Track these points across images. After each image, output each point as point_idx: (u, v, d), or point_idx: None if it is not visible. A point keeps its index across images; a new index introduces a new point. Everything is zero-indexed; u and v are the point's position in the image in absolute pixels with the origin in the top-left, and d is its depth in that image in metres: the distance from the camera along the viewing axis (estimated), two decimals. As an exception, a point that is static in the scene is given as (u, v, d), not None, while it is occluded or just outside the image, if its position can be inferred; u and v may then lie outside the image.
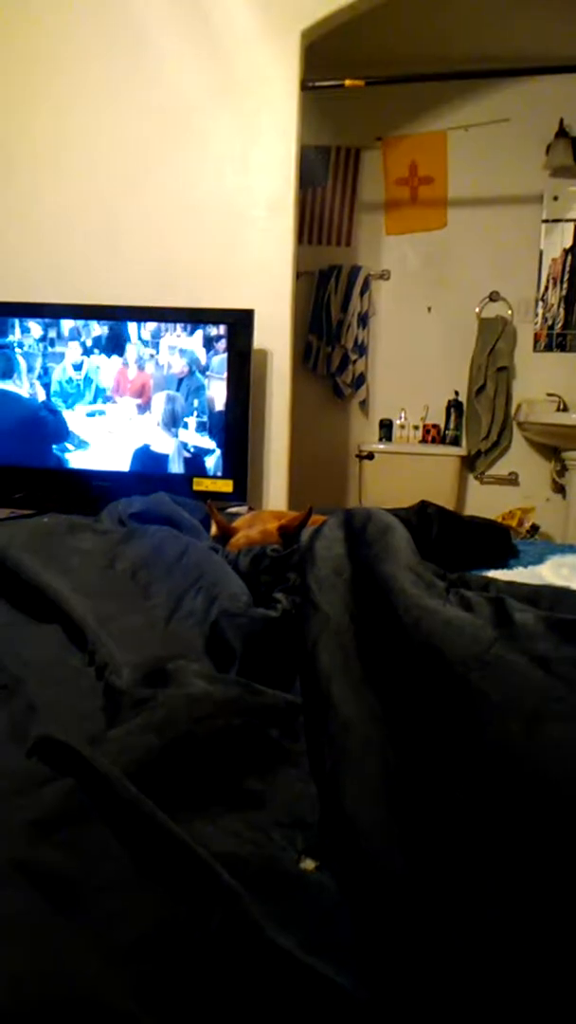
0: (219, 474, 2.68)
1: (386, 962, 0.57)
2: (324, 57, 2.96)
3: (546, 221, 3.87)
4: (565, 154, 3.75)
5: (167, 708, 0.83)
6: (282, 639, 1.03)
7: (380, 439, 4.13)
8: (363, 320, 4.09)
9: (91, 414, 2.71)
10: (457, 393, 4.06)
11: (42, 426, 2.74)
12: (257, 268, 2.84)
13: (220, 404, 2.65)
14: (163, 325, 2.65)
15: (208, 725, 0.82)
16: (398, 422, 4.13)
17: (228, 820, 0.73)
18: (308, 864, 0.69)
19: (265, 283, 2.83)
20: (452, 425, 4.07)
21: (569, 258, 3.85)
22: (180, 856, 0.64)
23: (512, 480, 4.08)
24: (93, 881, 0.64)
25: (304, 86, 2.81)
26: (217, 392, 2.64)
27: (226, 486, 2.67)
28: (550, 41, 3.44)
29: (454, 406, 4.06)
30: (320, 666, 0.89)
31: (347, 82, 2.91)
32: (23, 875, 0.63)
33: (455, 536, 1.59)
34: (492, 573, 1.47)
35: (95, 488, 2.63)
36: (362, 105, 3.74)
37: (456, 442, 4.06)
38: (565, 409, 3.85)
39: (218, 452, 2.67)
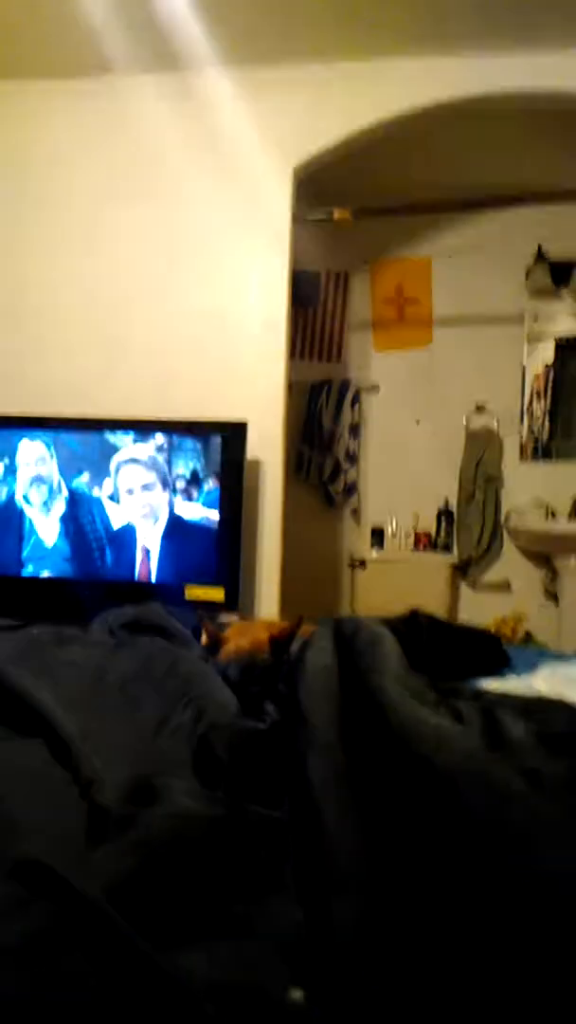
0: (211, 582, 2.68)
1: None
2: (316, 186, 3.16)
3: (528, 339, 4.04)
4: (543, 277, 3.96)
5: (151, 828, 0.81)
6: (271, 752, 1.01)
7: (372, 546, 4.16)
8: (354, 431, 4.20)
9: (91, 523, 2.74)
10: (447, 501, 4.13)
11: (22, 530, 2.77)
12: (251, 382, 2.94)
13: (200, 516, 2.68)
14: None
15: (193, 847, 0.80)
16: (390, 530, 4.17)
17: (215, 947, 0.70)
18: (296, 994, 0.66)
19: (259, 396, 2.93)
20: (443, 533, 4.11)
21: (551, 373, 4.00)
22: (162, 987, 0.62)
23: (504, 587, 4.09)
24: (66, 1013, 0.61)
25: (296, 219, 3.00)
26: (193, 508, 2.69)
27: (218, 594, 2.67)
28: (528, 173, 3.70)
29: (444, 514, 4.12)
30: (309, 784, 0.88)
31: (336, 215, 3.11)
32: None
33: (446, 646, 1.59)
34: (485, 683, 1.46)
35: (87, 598, 2.63)
36: (351, 232, 3.97)
37: (448, 549, 4.10)
38: (553, 517, 3.90)
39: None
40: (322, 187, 3.26)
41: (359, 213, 3.26)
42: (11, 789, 0.95)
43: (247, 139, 2.94)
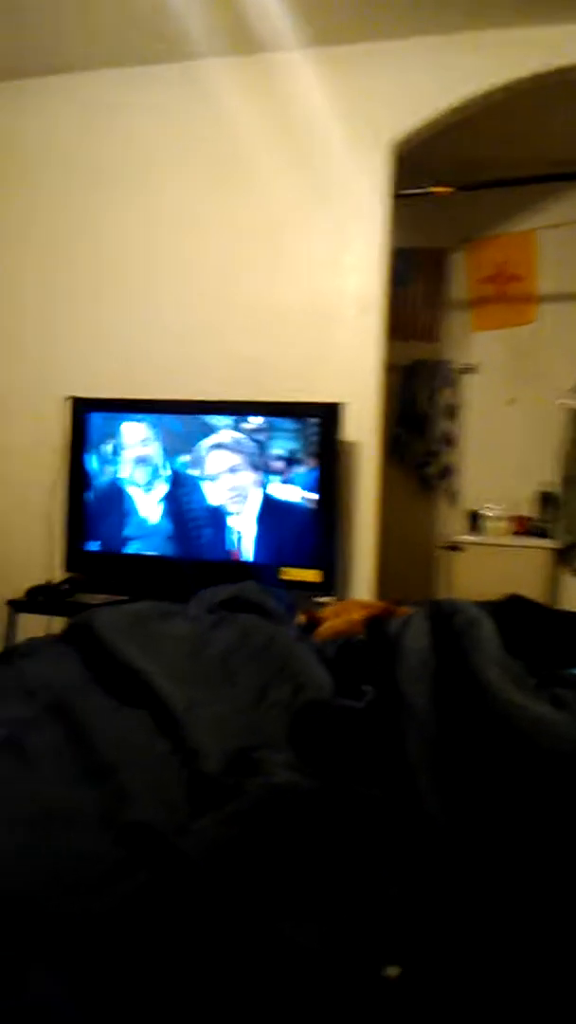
0: (307, 564, 2.70)
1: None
2: (412, 161, 3.10)
3: None
4: None
5: (252, 800, 0.84)
6: (367, 730, 1.02)
7: (468, 530, 4.08)
8: (450, 413, 4.13)
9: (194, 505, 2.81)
10: (549, 484, 4.00)
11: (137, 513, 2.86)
12: (347, 364, 2.93)
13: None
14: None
15: (293, 819, 0.82)
16: (487, 514, 4.09)
17: (313, 919, 0.72)
18: (392, 970, 0.67)
19: (354, 378, 2.91)
20: (543, 517, 3.99)
21: None
22: (261, 953, 0.64)
23: (609, 574, 3.94)
24: (164, 974, 0.64)
25: (393, 197, 2.95)
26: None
27: (314, 576, 2.69)
28: None
29: (545, 498, 4.00)
30: (407, 760, 0.89)
31: (434, 189, 3.04)
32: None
33: (548, 631, 1.55)
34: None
35: (187, 577, 2.70)
36: (450, 208, 3.88)
37: (548, 535, 3.98)
38: None
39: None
40: (419, 162, 3.19)
41: (458, 187, 3.17)
42: (120, 758, 1.00)
43: (340, 117, 2.91)
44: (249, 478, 2.78)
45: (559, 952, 0.59)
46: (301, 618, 1.66)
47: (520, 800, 0.74)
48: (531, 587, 3.68)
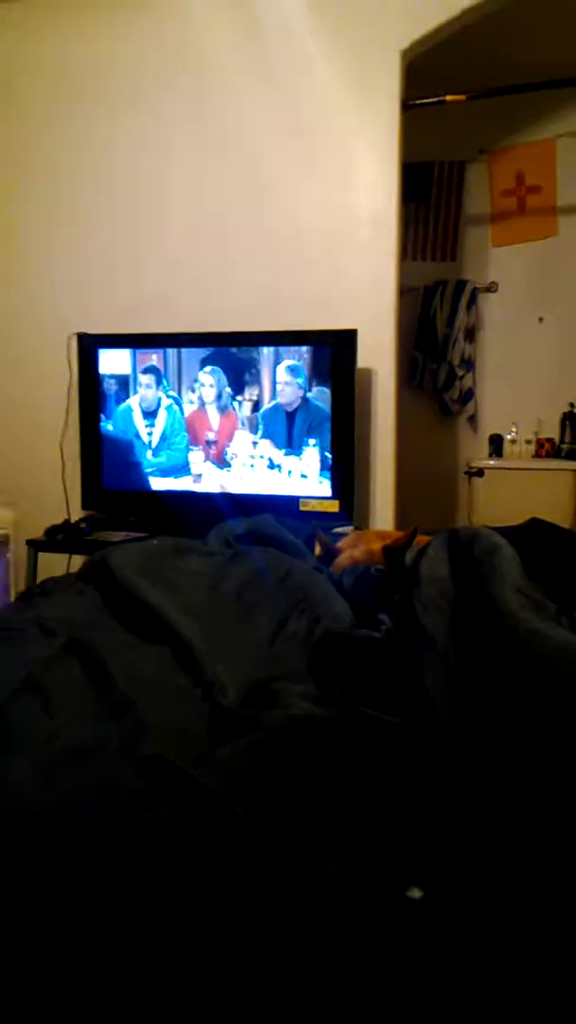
0: (326, 495, 2.68)
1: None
2: (423, 71, 2.95)
3: None
4: None
5: (271, 730, 0.84)
6: (386, 660, 1.02)
7: (490, 455, 4.02)
8: (470, 334, 4.02)
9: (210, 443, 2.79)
10: (573, 405, 3.92)
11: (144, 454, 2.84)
12: (361, 287, 2.84)
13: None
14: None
15: (312, 748, 0.82)
16: (509, 437, 4.02)
17: (335, 845, 0.73)
18: (416, 892, 0.67)
19: (369, 302, 2.82)
20: (568, 439, 3.92)
21: None
22: (284, 880, 0.64)
23: None
24: (186, 899, 0.64)
25: (405, 105, 2.81)
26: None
27: (332, 506, 2.67)
28: None
29: (569, 418, 3.92)
30: (427, 689, 0.88)
31: (448, 98, 2.88)
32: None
33: (569, 555, 1.53)
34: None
35: (205, 510, 2.69)
36: (464, 119, 3.70)
37: (572, 456, 3.91)
38: None
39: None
40: (432, 71, 3.02)
41: (474, 95, 3.01)
42: (141, 693, 1.00)
43: (345, 26, 2.75)
44: (264, 409, 2.74)
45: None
46: (319, 549, 1.65)
47: (538, 726, 0.73)
48: (556, 511, 3.64)
